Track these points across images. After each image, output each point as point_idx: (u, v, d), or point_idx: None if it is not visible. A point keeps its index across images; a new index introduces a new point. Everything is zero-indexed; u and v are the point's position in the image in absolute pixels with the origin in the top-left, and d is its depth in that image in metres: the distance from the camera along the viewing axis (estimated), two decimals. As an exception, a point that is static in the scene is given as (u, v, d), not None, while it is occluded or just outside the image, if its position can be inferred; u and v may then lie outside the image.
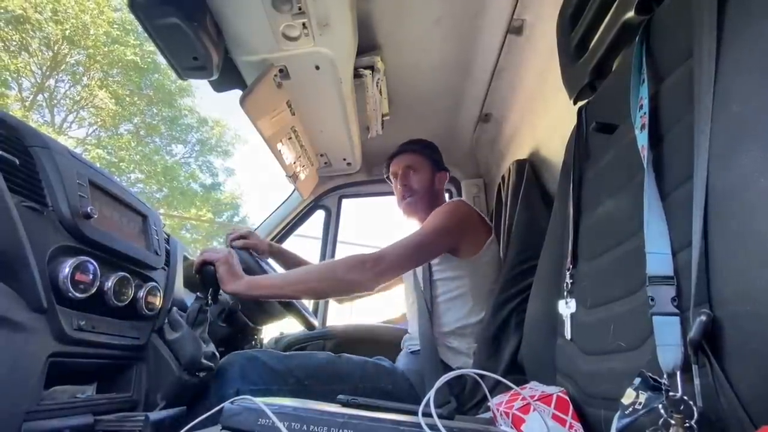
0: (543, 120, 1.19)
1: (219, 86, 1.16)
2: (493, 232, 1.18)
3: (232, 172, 15.17)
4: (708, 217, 0.40)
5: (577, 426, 0.58)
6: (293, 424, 0.43)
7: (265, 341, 1.48)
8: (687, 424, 0.37)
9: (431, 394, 0.43)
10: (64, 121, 10.68)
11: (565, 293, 0.70)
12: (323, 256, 1.84)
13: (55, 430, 0.55)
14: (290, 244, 1.79)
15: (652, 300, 0.46)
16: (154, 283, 0.76)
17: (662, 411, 0.39)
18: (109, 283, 0.65)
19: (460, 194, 1.84)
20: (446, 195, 1.45)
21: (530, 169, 1.21)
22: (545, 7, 0.99)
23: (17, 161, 0.57)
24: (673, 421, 0.37)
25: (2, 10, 8.26)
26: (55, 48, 9.54)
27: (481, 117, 1.54)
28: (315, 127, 1.44)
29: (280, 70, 1.14)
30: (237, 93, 1.11)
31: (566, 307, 0.69)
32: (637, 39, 0.59)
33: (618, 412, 0.44)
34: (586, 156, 0.75)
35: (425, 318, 1.09)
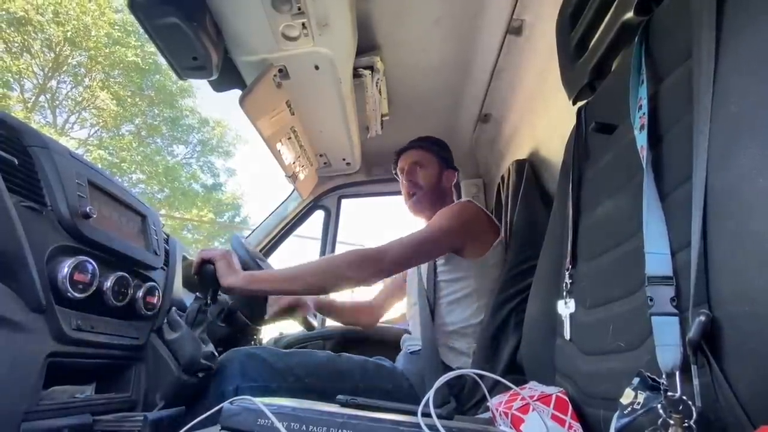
0: (542, 120, 1.19)
1: (218, 86, 1.16)
2: (501, 233, 1.16)
3: (233, 172, 15.25)
4: (707, 217, 0.40)
5: (576, 426, 0.58)
6: (292, 424, 0.43)
7: (265, 341, 1.48)
8: (686, 424, 0.37)
9: (430, 395, 0.43)
10: (66, 122, 10.75)
11: (565, 293, 0.70)
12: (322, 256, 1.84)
13: (54, 430, 0.55)
14: (289, 245, 1.80)
15: (651, 300, 0.46)
16: (153, 283, 0.76)
17: (661, 411, 0.39)
18: (108, 283, 0.64)
19: (459, 194, 1.84)
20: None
21: (530, 169, 1.21)
22: (544, 8, 0.99)
23: (16, 161, 0.57)
24: (671, 421, 0.37)
25: (4, 12, 8.28)
26: (57, 49, 9.59)
27: (480, 117, 1.54)
28: (314, 127, 1.44)
29: (280, 70, 1.14)
30: (237, 93, 1.11)
31: (565, 308, 0.69)
32: (636, 39, 0.59)
33: (617, 412, 0.44)
34: (586, 156, 0.75)
35: (427, 318, 1.09)
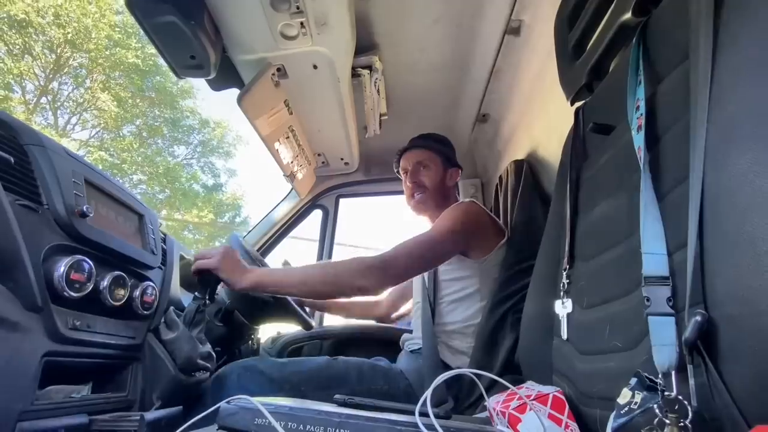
0: (540, 120, 1.19)
1: (216, 85, 1.16)
2: (506, 234, 1.15)
3: (233, 173, 15.23)
4: (703, 218, 0.41)
5: (573, 425, 0.58)
6: (290, 423, 0.43)
7: (262, 341, 1.48)
8: (681, 424, 0.37)
9: (428, 394, 0.44)
10: (68, 123, 10.79)
11: (562, 293, 0.70)
12: (320, 256, 1.84)
13: (50, 430, 0.54)
14: (287, 246, 1.79)
15: (648, 300, 0.46)
16: (150, 283, 0.76)
17: (657, 411, 0.39)
18: (105, 283, 0.64)
19: (457, 194, 1.84)
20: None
21: (528, 169, 1.21)
22: (543, 8, 1.00)
23: (12, 159, 0.57)
24: (667, 421, 0.38)
25: (5, 15, 8.29)
26: (58, 51, 9.62)
27: (478, 117, 1.54)
28: (313, 127, 1.44)
29: (278, 69, 1.14)
30: (235, 93, 1.11)
31: (562, 307, 0.69)
32: (634, 40, 0.59)
33: (614, 412, 0.44)
34: (583, 157, 0.75)
35: (428, 317, 1.09)
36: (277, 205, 1.77)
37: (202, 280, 0.90)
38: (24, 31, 8.84)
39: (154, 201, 11.47)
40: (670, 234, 0.47)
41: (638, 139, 0.52)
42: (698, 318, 0.38)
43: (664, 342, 0.43)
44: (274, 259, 1.73)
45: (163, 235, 0.92)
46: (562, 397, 0.60)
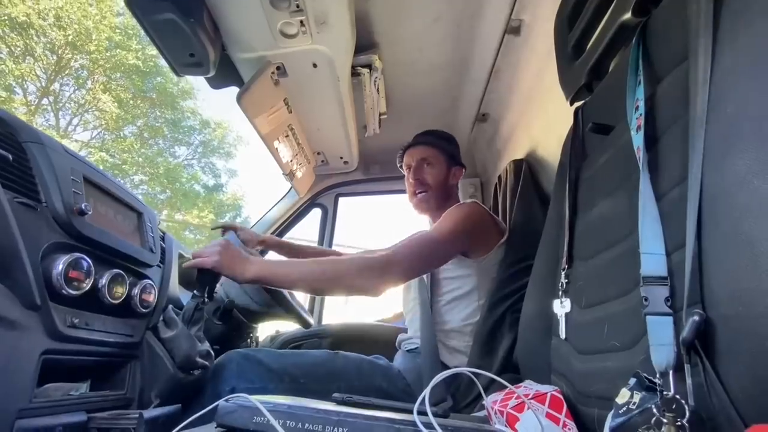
0: (540, 120, 1.19)
1: (216, 83, 1.16)
2: (506, 234, 1.15)
3: (234, 173, 15.24)
4: (702, 218, 0.41)
5: (571, 425, 0.58)
6: (288, 422, 0.43)
7: (261, 339, 1.48)
8: (679, 423, 0.37)
9: (426, 393, 0.44)
10: (69, 124, 10.83)
11: (560, 293, 0.71)
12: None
13: (48, 428, 0.54)
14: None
15: (646, 300, 0.46)
16: (148, 281, 0.75)
17: (654, 410, 0.39)
18: (104, 280, 0.64)
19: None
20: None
21: (527, 169, 1.21)
22: (543, 8, 1.00)
23: (11, 157, 0.57)
24: (665, 420, 0.38)
25: (6, 17, 8.31)
26: (59, 53, 9.66)
27: (478, 116, 1.54)
28: (312, 125, 1.44)
29: (278, 68, 1.14)
30: (235, 92, 1.10)
31: (561, 307, 0.70)
32: (633, 41, 0.59)
33: (612, 411, 0.44)
34: (583, 156, 0.75)
35: (427, 316, 1.08)
36: (276, 204, 1.77)
37: (201, 278, 0.89)
38: (25, 32, 8.90)
39: (156, 201, 11.50)
40: (669, 234, 0.47)
41: (637, 139, 0.53)
42: (696, 318, 0.38)
43: (662, 342, 0.43)
44: (273, 258, 1.73)
45: (161, 234, 0.92)
46: (560, 397, 0.61)
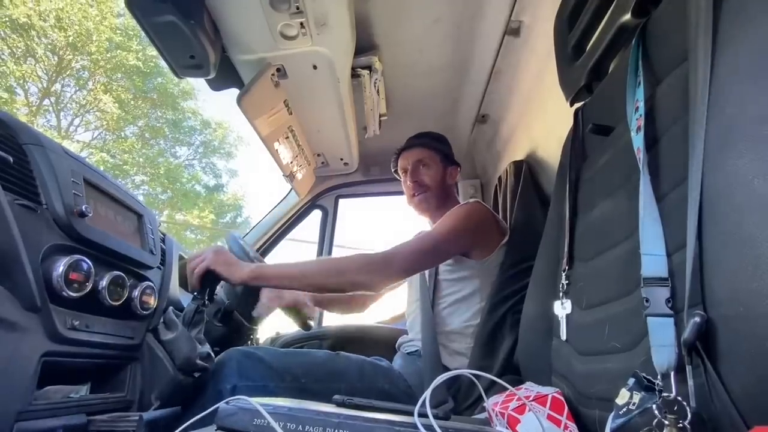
0: (540, 121, 1.19)
1: (216, 85, 1.16)
2: (508, 234, 1.15)
3: (235, 173, 15.26)
4: (702, 219, 0.41)
5: (572, 426, 0.58)
6: (289, 424, 0.43)
7: (261, 341, 1.48)
8: (680, 425, 0.37)
9: (427, 395, 0.43)
10: (71, 124, 10.88)
11: (561, 294, 0.70)
12: (319, 256, 1.84)
13: (48, 430, 0.54)
14: (285, 248, 1.79)
15: (647, 301, 0.46)
16: (149, 283, 0.75)
17: (656, 411, 0.39)
18: (104, 282, 0.64)
19: (457, 194, 1.84)
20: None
21: (527, 170, 1.21)
22: (543, 9, 1.00)
23: (11, 159, 0.57)
24: (666, 422, 0.38)
25: (7, 19, 8.36)
26: (60, 54, 9.72)
27: (478, 118, 1.55)
28: (312, 127, 1.44)
29: (278, 69, 1.14)
30: (236, 93, 1.11)
31: (562, 308, 0.70)
32: (633, 41, 0.59)
33: (612, 413, 0.44)
34: (583, 157, 0.75)
35: (428, 318, 1.08)
36: (276, 206, 1.77)
37: (204, 278, 0.90)
38: (26, 34, 8.95)
39: (157, 202, 11.55)
40: (669, 235, 0.47)
41: (637, 140, 0.53)
42: (697, 319, 0.38)
43: (663, 343, 0.43)
44: (272, 260, 1.74)
45: (162, 235, 0.92)
46: (561, 398, 0.61)
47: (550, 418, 0.58)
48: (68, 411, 0.59)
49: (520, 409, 0.58)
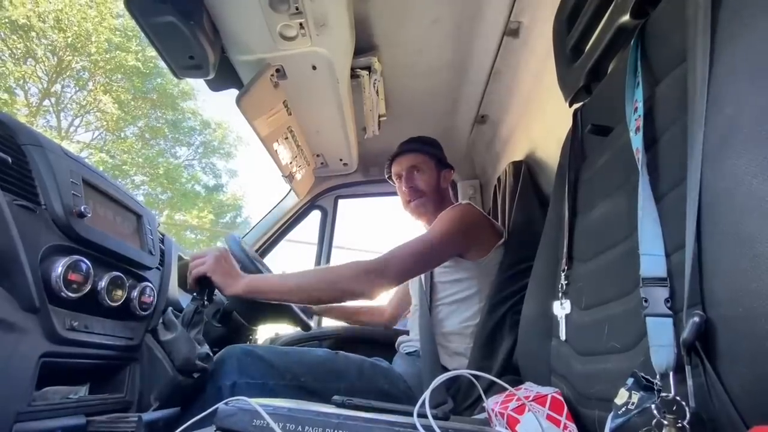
0: (539, 122, 1.19)
1: (215, 85, 1.16)
2: (503, 235, 1.15)
3: (234, 173, 15.26)
4: (701, 219, 0.41)
5: (572, 426, 0.58)
6: (288, 425, 0.43)
7: (260, 342, 1.48)
8: (679, 425, 0.37)
9: (426, 395, 0.43)
10: (71, 125, 10.90)
11: (560, 294, 0.71)
12: (319, 257, 1.84)
13: (47, 431, 0.54)
14: (285, 249, 1.79)
15: (646, 301, 0.46)
16: (148, 283, 0.75)
17: (655, 411, 0.39)
18: (103, 283, 0.64)
19: (456, 195, 1.84)
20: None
21: (526, 170, 1.21)
22: (542, 10, 1.00)
23: (10, 159, 0.57)
24: (665, 422, 0.38)
25: (6, 20, 8.38)
26: (60, 54, 9.75)
27: (477, 118, 1.55)
28: (311, 128, 1.44)
29: (277, 70, 1.14)
30: (235, 94, 1.11)
31: (561, 308, 0.70)
32: (632, 42, 0.59)
33: (611, 413, 0.44)
34: (582, 158, 0.75)
35: (426, 319, 1.08)
36: (275, 206, 1.77)
37: (200, 281, 0.90)
38: (26, 35, 8.98)
39: (156, 202, 11.56)
40: (668, 235, 0.47)
41: (636, 141, 0.53)
42: (696, 319, 0.38)
43: (662, 343, 0.43)
44: (273, 261, 1.74)
45: (161, 236, 0.91)
46: (561, 398, 0.61)
47: (549, 418, 0.58)
48: (67, 412, 0.59)
49: (520, 409, 0.58)
